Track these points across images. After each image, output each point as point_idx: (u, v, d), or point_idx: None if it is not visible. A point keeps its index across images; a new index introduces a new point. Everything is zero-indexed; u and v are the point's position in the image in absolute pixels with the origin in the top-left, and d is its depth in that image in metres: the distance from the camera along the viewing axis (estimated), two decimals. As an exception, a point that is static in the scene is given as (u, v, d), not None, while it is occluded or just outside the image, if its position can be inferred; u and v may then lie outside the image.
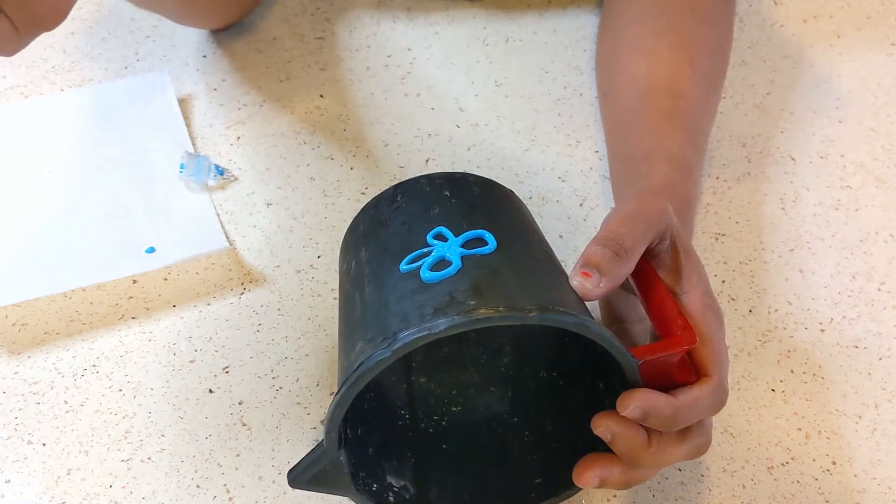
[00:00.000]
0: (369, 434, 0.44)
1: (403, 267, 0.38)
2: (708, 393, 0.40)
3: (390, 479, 0.44)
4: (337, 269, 0.56)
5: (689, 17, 0.59)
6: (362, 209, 0.46)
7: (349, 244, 0.46)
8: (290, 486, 0.41)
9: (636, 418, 0.38)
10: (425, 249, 0.39)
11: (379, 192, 0.45)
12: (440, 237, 0.39)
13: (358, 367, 0.36)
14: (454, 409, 0.48)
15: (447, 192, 0.43)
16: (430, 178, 0.44)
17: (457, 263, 0.37)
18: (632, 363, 0.38)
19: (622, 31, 0.62)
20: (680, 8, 0.60)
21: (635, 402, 0.38)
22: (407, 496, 0.44)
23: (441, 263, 0.38)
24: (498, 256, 0.38)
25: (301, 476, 0.40)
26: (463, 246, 0.38)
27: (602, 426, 0.39)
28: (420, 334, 0.35)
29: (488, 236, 0.39)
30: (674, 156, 0.53)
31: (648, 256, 0.43)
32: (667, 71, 0.57)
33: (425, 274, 0.37)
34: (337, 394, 0.37)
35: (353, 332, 0.40)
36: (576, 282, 0.40)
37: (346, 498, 0.44)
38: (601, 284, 0.40)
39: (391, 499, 0.43)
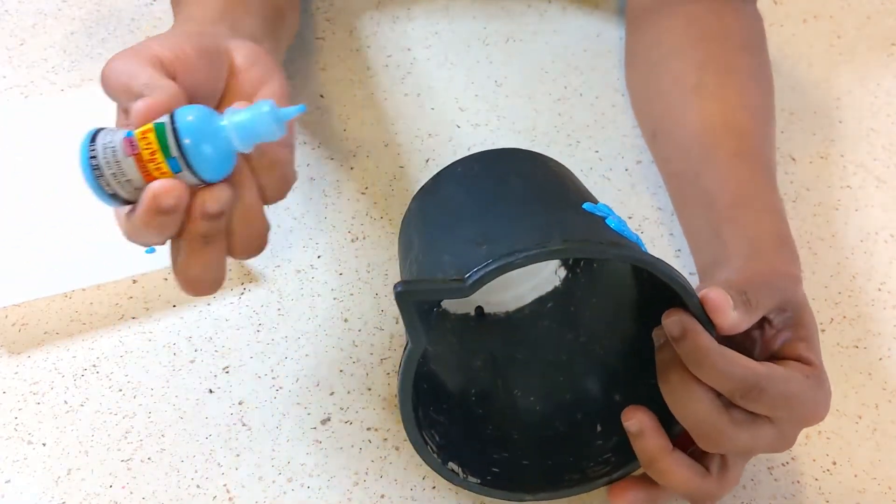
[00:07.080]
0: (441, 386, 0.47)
1: (587, 206, 0.43)
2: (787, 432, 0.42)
3: (439, 417, 0.46)
4: (336, 269, 0.56)
5: (725, 45, 0.57)
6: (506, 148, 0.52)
7: (478, 162, 0.49)
8: (397, 299, 0.38)
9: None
10: (600, 205, 0.44)
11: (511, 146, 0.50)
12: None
13: (514, 251, 0.38)
14: (532, 389, 0.50)
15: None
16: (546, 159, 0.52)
17: (618, 225, 0.43)
18: (696, 300, 0.40)
19: (659, 66, 0.59)
20: (714, 35, 0.58)
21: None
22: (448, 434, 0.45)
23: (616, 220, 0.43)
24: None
25: (415, 293, 0.38)
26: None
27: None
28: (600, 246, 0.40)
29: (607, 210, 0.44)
30: (770, 205, 0.50)
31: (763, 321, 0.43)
32: (720, 107, 0.54)
33: (612, 222, 0.42)
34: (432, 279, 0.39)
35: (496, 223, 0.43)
36: (714, 293, 0.39)
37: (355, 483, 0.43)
38: (735, 315, 0.39)
39: (436, 438, 0.44)
